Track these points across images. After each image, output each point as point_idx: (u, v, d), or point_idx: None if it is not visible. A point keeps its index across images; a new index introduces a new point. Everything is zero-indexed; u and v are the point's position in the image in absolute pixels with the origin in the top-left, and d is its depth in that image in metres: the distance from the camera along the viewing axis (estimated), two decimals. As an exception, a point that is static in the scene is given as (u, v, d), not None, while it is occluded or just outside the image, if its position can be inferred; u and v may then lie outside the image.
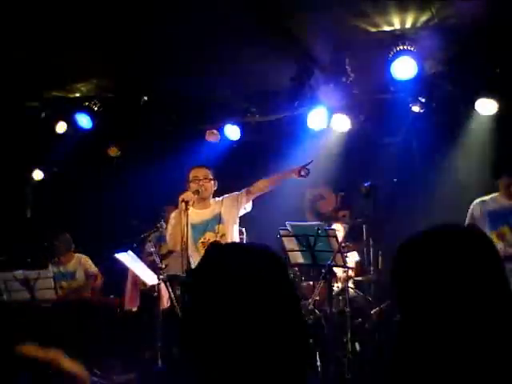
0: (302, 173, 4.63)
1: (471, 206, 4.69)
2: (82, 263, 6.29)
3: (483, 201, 4.65)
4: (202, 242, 4.47)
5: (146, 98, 6.22)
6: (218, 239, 4.41)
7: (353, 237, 5.51)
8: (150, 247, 5.28)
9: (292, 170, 4.70)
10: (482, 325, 1.17)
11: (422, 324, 1.23)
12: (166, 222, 6.32)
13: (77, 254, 6.38)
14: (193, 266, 4.43)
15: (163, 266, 5.19)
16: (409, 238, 1.30)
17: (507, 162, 4.61)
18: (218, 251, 1.25)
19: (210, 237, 4.47)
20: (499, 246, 4.51)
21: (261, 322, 1.13)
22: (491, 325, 1.17)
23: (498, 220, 4.53)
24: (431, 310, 1.21)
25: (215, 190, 4.70)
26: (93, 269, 6.29)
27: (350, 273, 5.33)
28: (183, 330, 1.20)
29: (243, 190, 4.67)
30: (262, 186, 4.69)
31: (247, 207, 4.71)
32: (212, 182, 4.61)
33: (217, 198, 4.68)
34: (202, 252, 4.10)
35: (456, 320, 1.19)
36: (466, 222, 4.66)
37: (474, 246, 1.25)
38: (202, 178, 4.56)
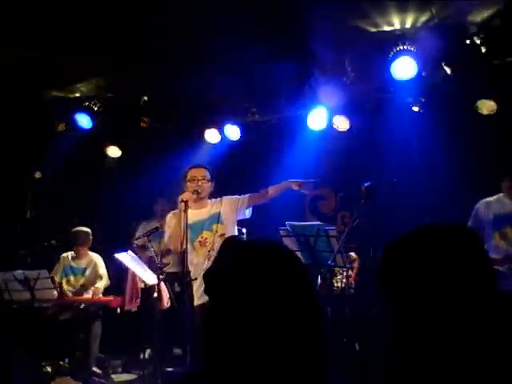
0: (304, 187, 4.68)
1: (476, 206, 4.70)
2: (94, 262, 6.30)
3: (488, 201, 4.66)
4: (199, 241, 4.47)
5: (145, 98, 6.22)
6: (216, 239, 4.41)
7: (353, 237, 5.51)
8: (151, 247, 5.28)
9: (295, 182, 4.72)
10: (469, 322, 1.18)
11: (408, 322, 1.23)
12: (156, 214, 6.40)
13: (91, 253, 6.39)
14: (190, 266, 4.44)
15: (163, 265, 5.21)
16: (394, 238, 1.30)
17: (508, 163, 4.63)
18: (235, 250, 1.25)
19: (207, 236, 4.47)
20: (501, 245, 4.53)
21: (277, 321, 1.14)
22: (479, 322, 1.18)
23: (502, 221, 4.54)
24: (417, 308, 1.21)
25: (211, 191, 4.71)
26: (101, 270, 6.29)
27: (350, 272, 5.35)
28: (206, 330, 1.19)
29: (246, 196, 4.68)
30: (265, 194, 4.72)
31: (247, 213, 4.72)
32: (210, 182, 4.62)
33: (214, 199, 4.69)
34: (200, 251, 4.07)
35: (442, 316, 1.19)
36: (470, 221, 4.67)
37: (460, 244, 1.25)
38: (201, 178, 4.57)
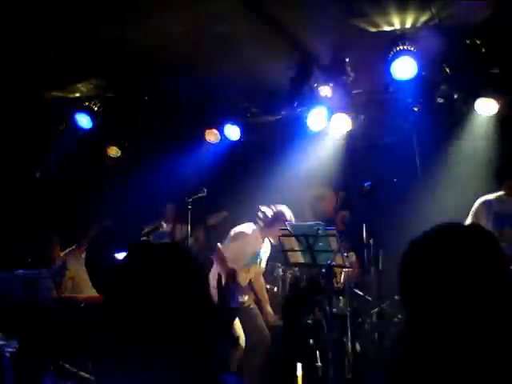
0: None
1: (475, 205, 4.66)
2: (65, 253, 6.31)
3: (488, 200, 4.63)
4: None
5: (146, 98, 6.22)
6: None
7: (352, 237, 5.52)
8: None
9: None
10: (490, 321, 1.19)
11: (430, 320, 1.24)
12: (166, 220, 6.43)
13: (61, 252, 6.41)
14: None
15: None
16: (419, 235, 1.32)
17: (509, 163, 4.60)
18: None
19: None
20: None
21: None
22: (499, 322, 1.19)
23: (502, 221, 4.51)
24: (439, 305, 1.22)
25: None
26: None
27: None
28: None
29: None
30: None
31: None
32: None
33: None
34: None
35: (464, 315, 1.20)
36: (469, 219, 4.65)
37: (482, 245, 1.27)
38: None
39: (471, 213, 4.68)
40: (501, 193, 4.64)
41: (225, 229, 6.82)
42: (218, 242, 5.25)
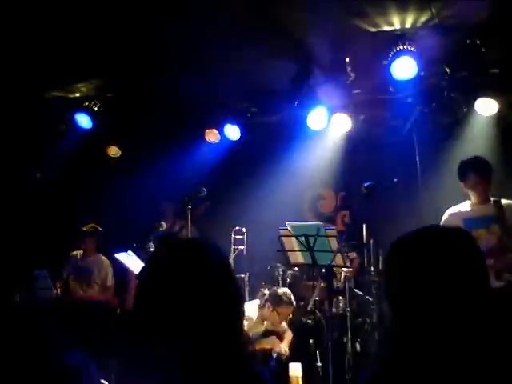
0: None
1: (444, 218, 4.46)
2: (103, 265, 6.34)
3: (454, 209, 4.44)
4: None
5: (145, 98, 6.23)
6: None
7: (353, 237, 5.53)
8: (151, 247, 5.30)
9: None
10: (467, 322, 1.20)
11: (410, 321, 1.25)
12: (166, 219, 6.44)
13: (100, 254, 6.44)
14: None
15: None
16: (398, 238, 1.34)
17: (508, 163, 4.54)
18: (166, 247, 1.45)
19: None
20: None
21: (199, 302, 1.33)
22: (477, 322, 1.20)
23: (474, 226, 4.31)
24: (419, 307, 1.24)
25: None
26: (109, 281, 6.34)
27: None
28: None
29: None
30: None
31: None
32: None
33: None
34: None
35: (442, 317, 1.21)
36: None
37: (461, 246, 1.29)
38: None
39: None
40: (465, 202, 4.50)
41: (208, 218, 6.89)
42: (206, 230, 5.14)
